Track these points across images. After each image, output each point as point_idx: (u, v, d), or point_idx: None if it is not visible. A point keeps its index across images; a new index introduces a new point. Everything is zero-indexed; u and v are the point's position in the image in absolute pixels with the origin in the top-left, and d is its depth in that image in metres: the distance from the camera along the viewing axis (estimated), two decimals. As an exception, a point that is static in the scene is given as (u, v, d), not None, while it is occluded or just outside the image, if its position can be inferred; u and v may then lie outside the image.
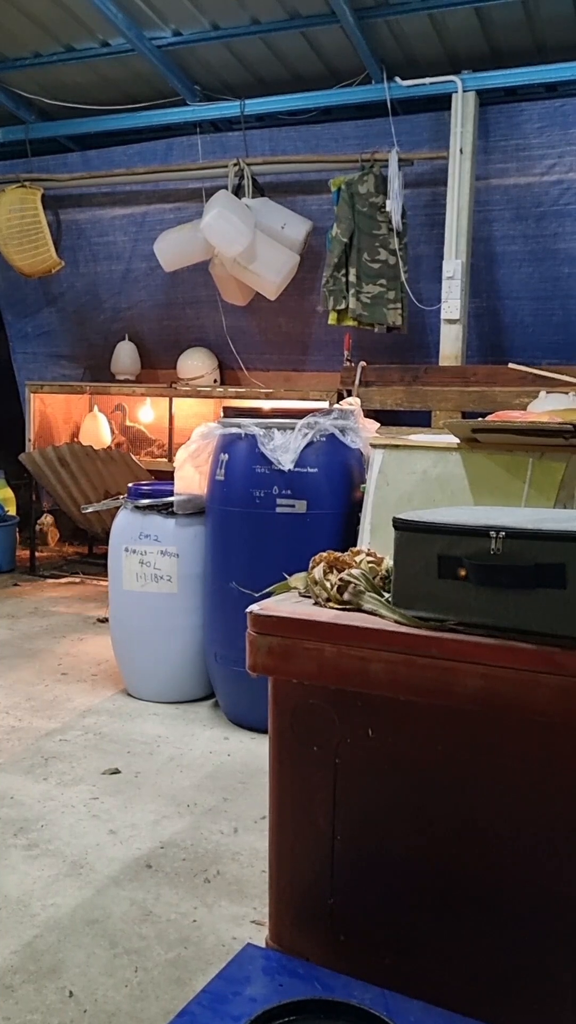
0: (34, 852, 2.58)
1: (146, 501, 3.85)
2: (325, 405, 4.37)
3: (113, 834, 2.69)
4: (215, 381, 6.71)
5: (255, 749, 3.35)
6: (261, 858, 2.46)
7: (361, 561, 1.91)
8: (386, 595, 1.78)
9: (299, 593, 1.92)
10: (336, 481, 3.49)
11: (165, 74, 5.96)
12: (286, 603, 1.85)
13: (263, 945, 1.86)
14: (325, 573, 1.86)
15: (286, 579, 2.00)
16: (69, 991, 1.97)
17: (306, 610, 1.79)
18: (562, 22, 5.09)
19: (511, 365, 5.22)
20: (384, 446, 3.29)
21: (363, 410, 3.96)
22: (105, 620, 4.74)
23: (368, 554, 1.95)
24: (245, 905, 2.32)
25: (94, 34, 5.81)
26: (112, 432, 6.84)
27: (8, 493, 6.88)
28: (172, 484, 3.86)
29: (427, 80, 5.42)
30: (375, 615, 1.74)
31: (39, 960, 2.08)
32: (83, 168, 6.69)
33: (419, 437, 3.39)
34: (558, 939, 1.58)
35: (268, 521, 3.43)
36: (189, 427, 5.51)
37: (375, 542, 3.11)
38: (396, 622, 1.69)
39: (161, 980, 2.02)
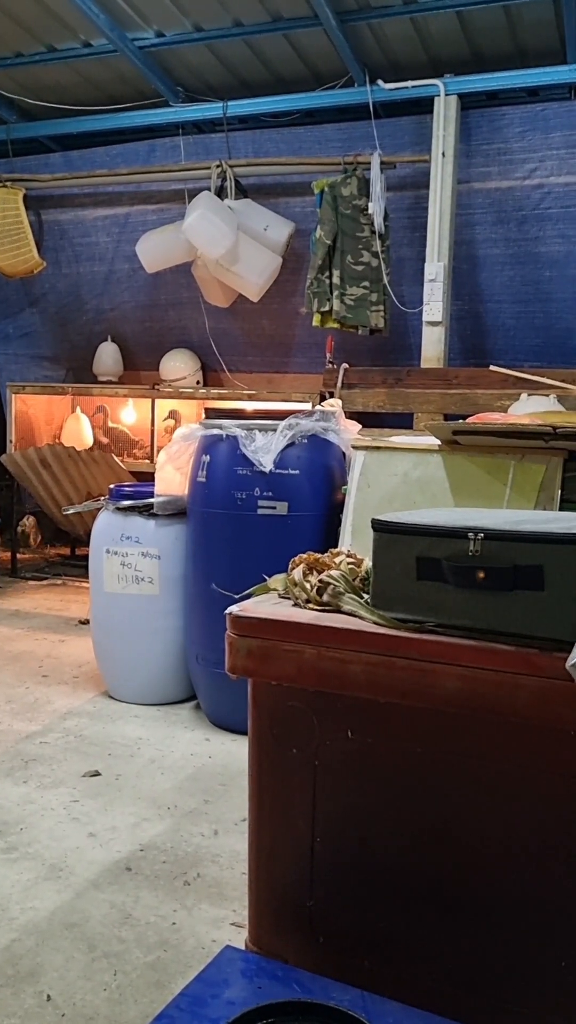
0: (13, 855, 2.56)
1: (127, 503, 3.83)
2: (308, 407, 4.38)
3: (93, 837, 2.68)
4: (198, 383, 6.70)
5: (236, 751, 3.34)
6: (241, 860, 2.45)
7: (341, 562, 1.91)
8: (365, 596, 1.78)
9: (279, 595, 1.92)
10: (317, 483, 3.49)
11: (147, 75, 5.95)
12: (265, 605, 1.85)
13: (243, 947, 1.86)
14: (305, 574, 1.86)
15: (266, 581, 2.00)
16: (47, 995, 1.96)
17: (285, 612, 1.78)
18: (543, 27, 5.12)
19: (492, 368, 5.24)
20: (365, 448, 3.30)
21: (346, 412, 3.96)
22: (86, 622, 4.72)
23: (348, 555, 1.96)
24: (225, 907, 2.32)
25: (76, 34, 5.80)
26: (94, 433, 6.82)
27: (-11, 495, 6.84)
28: (154, 485, 3.85)
29: (409, 83, 5.45)
30: (354, 616, 1.74)
31: (17, 964, 2.07)
32: (65, 169, 6.67)
33: (400, 439, 3.40)
34: (536, 940, 1.59)
35: (249, 523, 3.43)
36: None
37: (356, 544, 3.12)
38: (375, 623, 1.69)
39: (140, 983, 2.01)
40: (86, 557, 4.08)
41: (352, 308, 5.57)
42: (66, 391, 6.81)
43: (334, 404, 4.13)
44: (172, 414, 6.61)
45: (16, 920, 2.25)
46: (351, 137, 5.76)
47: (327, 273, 5.61)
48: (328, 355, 5.73)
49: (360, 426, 3.91)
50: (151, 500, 3.79)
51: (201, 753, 3.35)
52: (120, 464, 6.14)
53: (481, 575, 1.58)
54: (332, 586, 1.80)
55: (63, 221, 6.86)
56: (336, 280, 5.57)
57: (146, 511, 3.79)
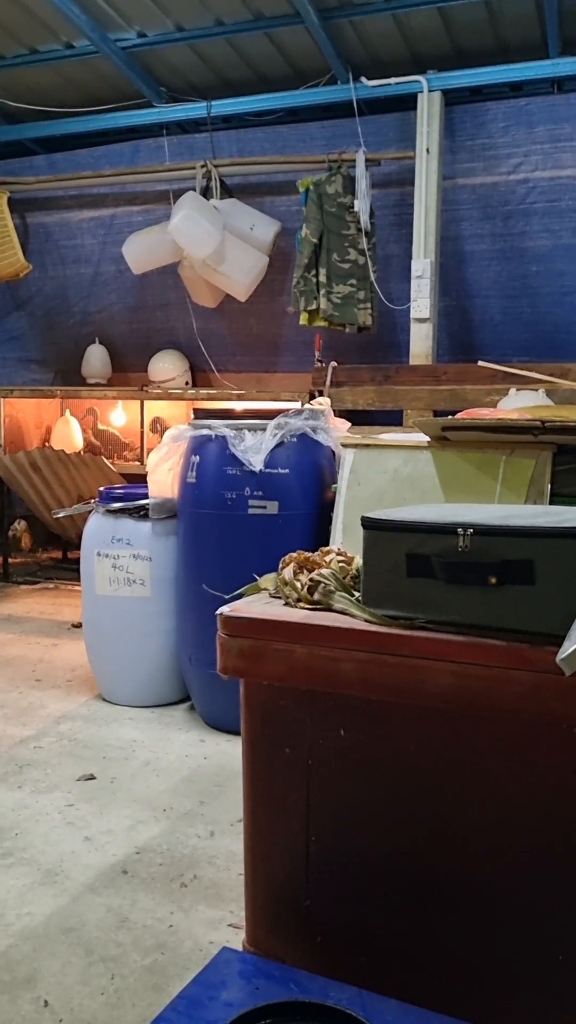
0: (8, 861, 2.55)
1: (118, 505, 3.82)
2: (297, 406, 4.37)
3: (88, 841, 2.67)
4: (186, 383, 6.69)
5: (231, 751, 3.33)
6: (238, 861, 2.45)
7: (331, 561, 1.90)
8: (356, 594, 1.78)
9: (269, 594, 1.91)
10: (308, 482, 3.48)
11: (130, 76, 5.94)
12: (256, 604, 1.84)
13: (240, 948, 1.85)
14: (295, 573, 1.86)
15: (257, 580, 1.99)
16: (44, 1000, 1.95)
17: (276, 611, 1.78)
18: (524, 22, 5.12)
19: (481, 363, 5.24)
20: (355, 446, 3.30)
21: (335, 410, 3.96)
22: (79, 625, 4.71)
23: (338, 553, 1.95)
24: (222, 909, 2.31)
25: (58, 36, 5.78)
26: (84, 436, 6.80)
27: (-21, 499, 6.81)
28: (144, 487, 3.84)
29: (392, 80, 5.45)
30: (345, 615, 1.73)
31: (13, 970, 2.06)
32: (49, 171, 6.65)
33: (389, 436, 3.40)
34: (532, 935, 1.59)
35: (240, 523, 3.42)
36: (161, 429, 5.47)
37: (347, 542, 3.12)
38: (366, 621, 1.69)
39: (138, 987, 2.01)
40: (78, 560, 4.07)
41: (339, 306, 5.57)
42: (55, 394, 6.79)
43: (323, 402, 4.12)
44: (155, 422, 6.58)
45: (12, 926, 2.24)
46: (335, 135, 5.77)
47: (313, 271, 5.61)
48: (317, 353, 5.73)
49: (349, 424, 3.91)
50: (141, 502, 3.78)
51: (196, 754, 3.34)
52: (110, 466, 6.12)
53: (470, 570, 1.57)
54: (323, 584, 1.80)
55: (48, 224, 6.85)
56: (322, 278, 5.57)
57: (136, 513, 3.78)
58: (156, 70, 6.00)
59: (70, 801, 2.93)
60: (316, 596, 1.79)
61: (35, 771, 3.17)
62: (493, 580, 1.56)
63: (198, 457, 3.53)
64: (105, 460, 6.21)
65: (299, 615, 1.75)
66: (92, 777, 3.11)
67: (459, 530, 1.59)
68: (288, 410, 3.55)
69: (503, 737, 1.58)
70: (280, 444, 3.44)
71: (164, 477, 3.77)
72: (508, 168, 5.45)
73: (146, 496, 3.79)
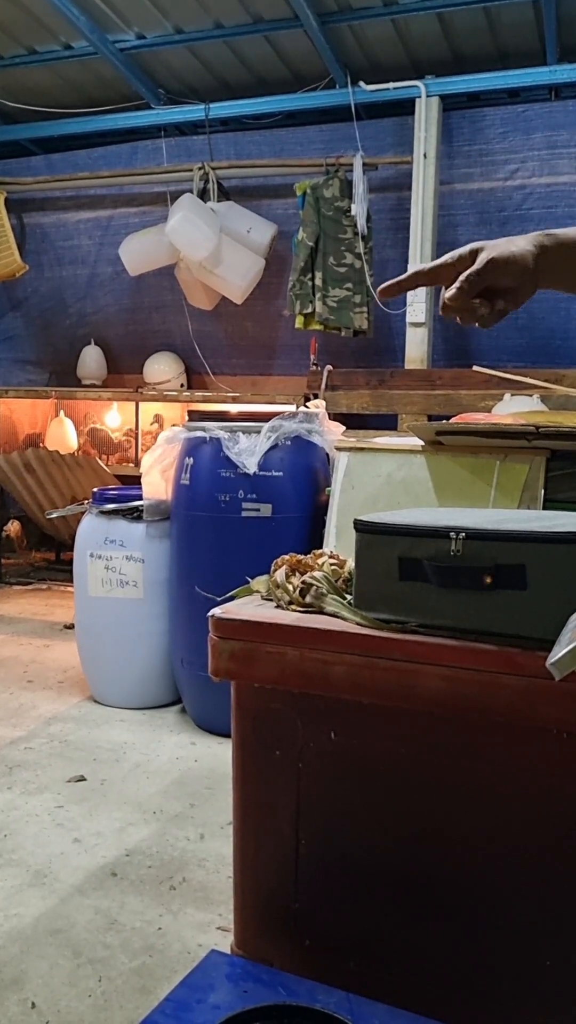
0: (-3, 862, 2.54)
1: (111, 506, 3.82)
2: (292, 409, 4.37)
3: (78, 842, 2.66)
4: (182, 386, 6.69)
5: (222, 754, 3.33)
6: (227, 864, 2.44)
7: (323, 563, 1.90)
8: (348, 597, 1.77)
9: (261, 597, 1.91)
10: (301, 484, 3.48)
11: (129, 77, 5.94)
12: (248, 607, 1.83)
13: (228, 951, 1.85)
14: (287, 576, 1.85)
15: (249, 583, 1.99)
16: (31, 1002, 1.95)
17: (268, 613, 1.77)
18: (523, 29, 5.14)
19: (476, 368, 5.25)
20: (349, 449, 3.29)
21: (330, 414, 3.96)
22: (72, 626, 4.69)
23: (331, 556, 1.95)
24: (211, 911, 2.31)
25: (57, 36, 5.78)
26: (78, 437, 6.79)
27: (-27, 500, 6.79)
28: (138, 489, 3.84)
29: (390, 85, 5.46)
30: (337, 617, 1.73)
31: (1, 972, 2.05)
32: (47, 171, 6.66)
33: (384, 440, 3.39)
34: (521, 940, 1.59)
35: (234, 525, 3.42)
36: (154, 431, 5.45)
37: (340, 545, 3.11)
38: (358, 624, 1.68)
39: (125, 989, 2.00)
40: (71, 562, 4.07)
41: (335, 310, 5.58)
42: (50, 395, 6.78)
43: (318, 405, 4.12)
44: (157, 418, 6.59)
45: (0, 927, 2.23)
46: (333, 139, 5.78)
47: (310, 275, 5.62)
48: (312, 357, 5.73)
49: (344, 427, 3.91)
50: (135, 503, 3.77)
51: (187, 757, 3.34)
52: (104, 467, 6.12)
53: (463, 574, 1.57)
54: (315, 587, 1.80)
55: (45, 224, 6.85)
56: (319, 282, 5.57)
57: (130, 515, 3.77)
58: (155, 72, 6.00)
59: (60, 803, 2.92)
60: (308, 599, 1.79)
61: (25, 772, 3.16)
62: (488, 579, 1.55)
63: (192, 459, 3.52)
64: (99, 461, 6.20)
65: (291, 618, 1.74)
66: (82, 779, 3.10)
67: (452, 534, 1.59)
68: (283, 413, 3.55)
69: (494, 741, 1.58)
70: (274, 447, 3.43)
71: (158, 479, 3.76)
72: (505, 174, 5.47)
73: (140, 498, 3.79)
